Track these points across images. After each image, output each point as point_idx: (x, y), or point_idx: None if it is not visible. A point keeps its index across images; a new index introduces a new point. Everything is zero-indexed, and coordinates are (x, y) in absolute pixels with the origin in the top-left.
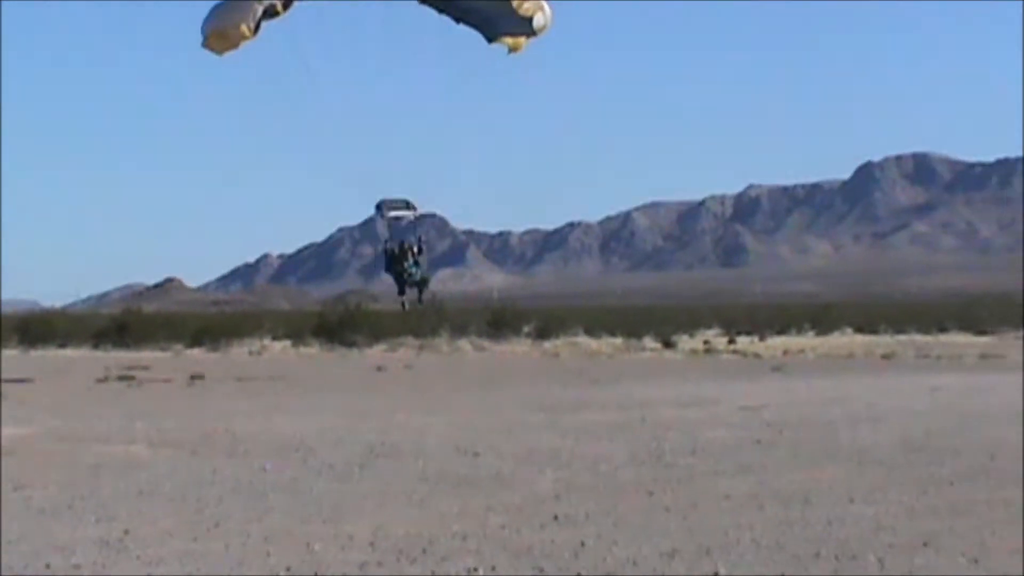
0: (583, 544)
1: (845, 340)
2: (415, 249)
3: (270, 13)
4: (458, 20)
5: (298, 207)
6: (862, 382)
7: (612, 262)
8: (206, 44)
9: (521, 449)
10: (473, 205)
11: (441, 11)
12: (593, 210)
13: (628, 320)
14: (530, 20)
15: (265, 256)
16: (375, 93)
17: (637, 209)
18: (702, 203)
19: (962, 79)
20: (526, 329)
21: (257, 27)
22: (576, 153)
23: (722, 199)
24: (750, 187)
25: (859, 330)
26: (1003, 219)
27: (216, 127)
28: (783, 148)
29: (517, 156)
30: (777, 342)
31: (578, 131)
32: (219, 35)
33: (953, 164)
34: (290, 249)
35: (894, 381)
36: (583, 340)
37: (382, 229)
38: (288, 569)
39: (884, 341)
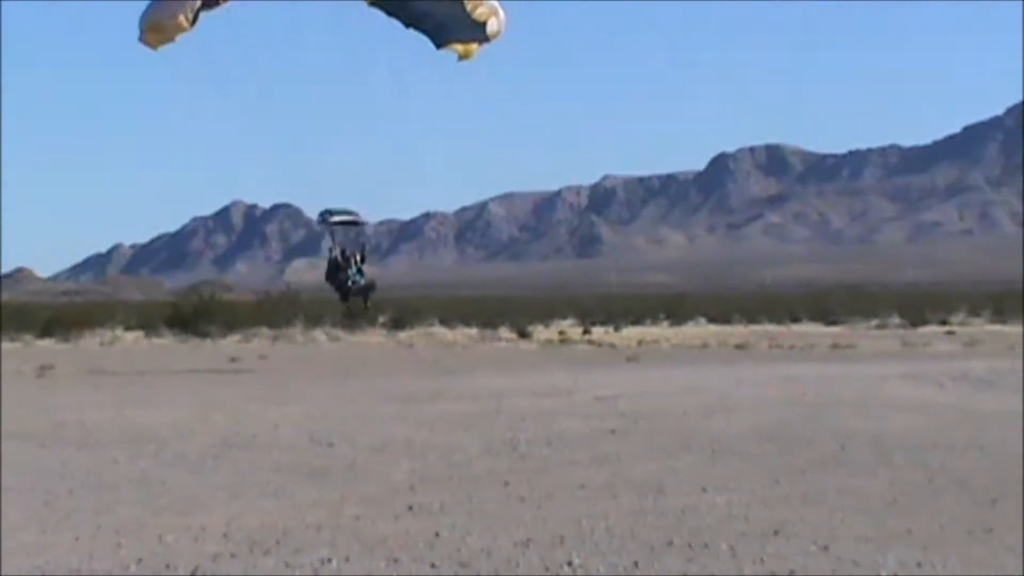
0: (437, 535)
1: (699, 330)
2: (358, 257)
3: (209, 4)
4: (408, 24)
5: (151, 197)
6: (716, 372)
7: (468, 252)
8: (143, 39)
9: (376, 440)
10: (328, 195)
11: (391, 14)
12: (449, 200)
13: (483, 310)
14: (483, 26)
15: (117, 246)
16: (237, 84)
17: (493, 200)
18: (558, 193)
19: (814, 72)
20: (381, 319)
21: (195, 18)
22: (432, 143)
23: (578, 190)
24: (606, 178)
25: (713, 320)
26: (854, 210)
27: (68, 114)
28: (638, 139)
29: (372, 146)
30: (632, 332)
31: (434, 121)
32: (155, 28)
33: (805, 155)
34: (143, 239)
35: (747, 371)
36: (438, 330)
37: (327, 239)
38: (139, 561)
39: (737, 331)
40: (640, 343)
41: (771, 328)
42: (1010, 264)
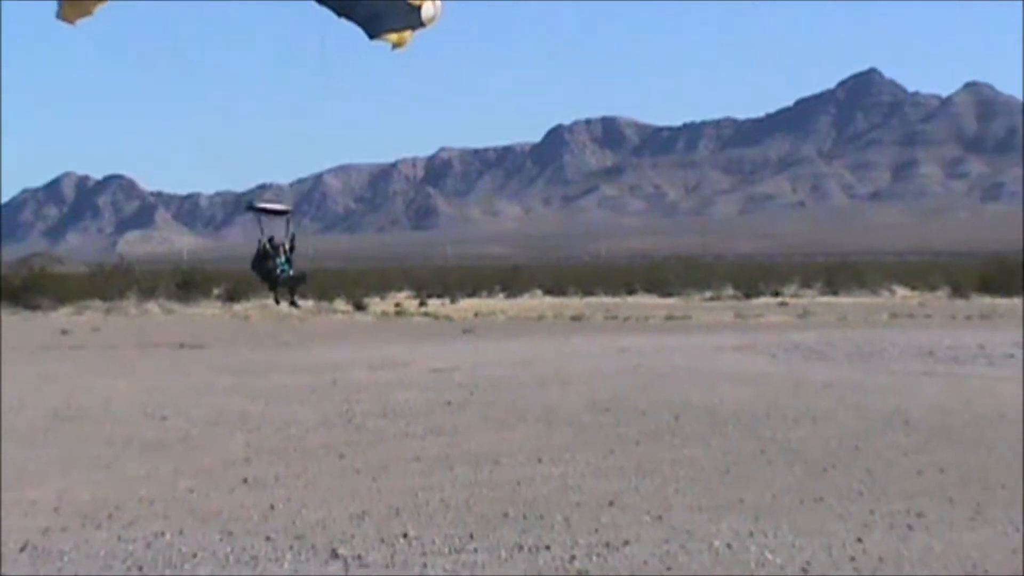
0: (272, 507)
1: (535, 302)
2: (286, 247)
3: None
4: (340, 14)
5: None
6: (552, 344)
7: (303, 224)
8: (60, 14)
9: (210, 412)
10: (162, 167)
11: (321, 2)
12: (284, 172)
13: (319, 283)
14: (418, 10)
15: None
16: (70, 55)
17: (328, 171)
18: (394, 165)
19: (649, 44)
20: (216, 292)
21: None
22: (267, 115)
23: (413, 162)
24: (442, 150)
25: (549, 292)
26: (689, 182)
27: None
28: (475, 111)
29: (206, 117)
30: (468, 304)
31: (268, 93)
32: (72, 3)
33: (641, 128)
34: None
35: (583, 343)
36: (273, 303)
37: (257, 227)
38: None
39: (573, 303)
40: (476, 315)
41: (607, 300)
42: (841, 236)
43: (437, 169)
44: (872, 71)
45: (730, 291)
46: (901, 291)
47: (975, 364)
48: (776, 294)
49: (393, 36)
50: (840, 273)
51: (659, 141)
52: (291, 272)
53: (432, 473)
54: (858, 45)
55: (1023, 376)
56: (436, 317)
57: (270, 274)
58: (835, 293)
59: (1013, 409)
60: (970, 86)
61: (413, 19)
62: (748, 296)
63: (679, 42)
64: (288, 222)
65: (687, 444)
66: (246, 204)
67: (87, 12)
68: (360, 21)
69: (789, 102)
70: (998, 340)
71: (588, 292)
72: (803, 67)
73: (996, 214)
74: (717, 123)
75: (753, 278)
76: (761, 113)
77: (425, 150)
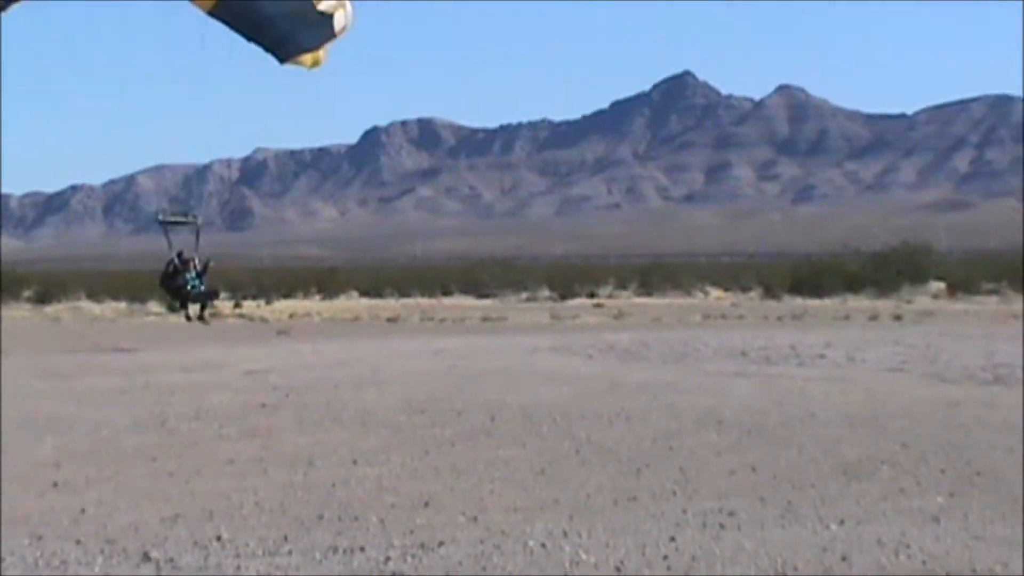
0: (83, 511)
1: (351, 303)
2: (196, 262)
3: None
4: (249, 39)
5: None
6: (368, 345)
7: (116, 226)
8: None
9: (20, 415)
10: None
11: (233, 26)
12: (96, 173)
13: (132, 284)
14: (330, 19)
15: None
16: None
17: (142, 172)
18: (208, 166)
19: (464, 45)
20: (26, 294)
21: None
22: (79, 115)
23: (228, 163)
24: (257, 151)
25: (365, 293)
26: (505, 184)
27: None
28: (291, 112)
29: (16, 118)
30: (283, 306)
31: (82, 93)
32: None
33: (457, 130)
34: None
35: (399, 344)
36: (86, 305)
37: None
38: None
39: (389, 304)
40: (291, 317)
41: (423, 301)
42: (656, 237)
43: (252, 170)
44: (686, 74)
45: (546, 292)
46: (714, 292)
47: (786, 364)
48: (591, 295)
49: (307, 58)
50: (654, 274)
51: (475, 143)
52: (202, 288)
53: (246, 476)
54: (673, 48)
55: (833, 375)
56: (251, 319)
57: (179, 290)
58: (649, 294)
59: (823, 409)
60: (782, 89)
61: (325, 31)
62: (564, 297)
63: (495, 43)
64: (198, 234)
65: (502, 444)
66: (156, 218)
67: None
68: (269, 45)
69: (604, 104)
70: (809, 341)
71: (404, 293)
72: (618, 69)
73: (807, 216)
74: (533, 125)
75: (569, 279)
76: (577, 115)
77: (240, 151)
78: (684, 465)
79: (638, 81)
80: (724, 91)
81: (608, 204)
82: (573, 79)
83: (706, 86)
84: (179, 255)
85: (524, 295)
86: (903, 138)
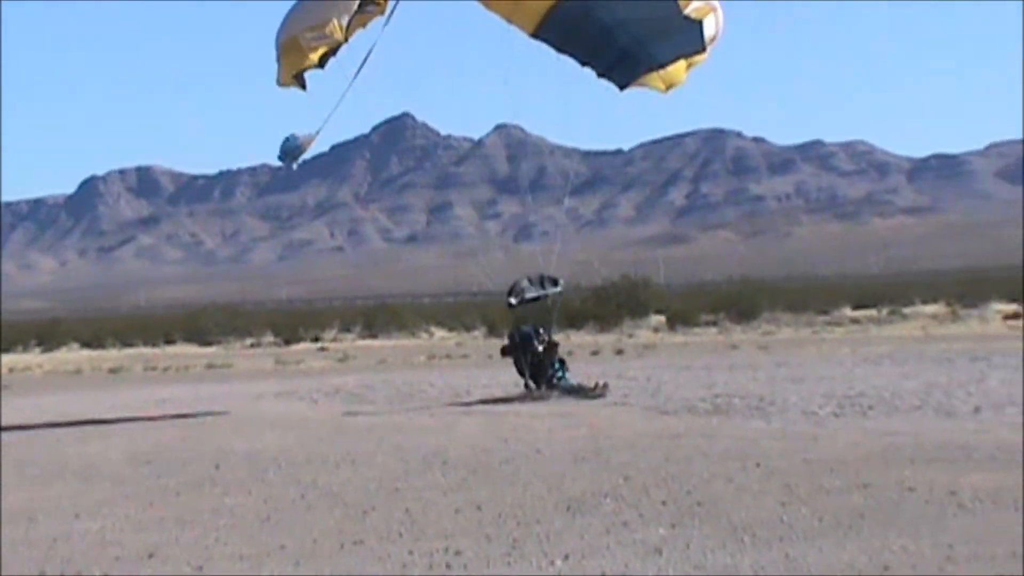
0: None
1: (73, 355)
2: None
3: None
4: (584, 61)
5: None
6: (90, 397)
7: None
8: (280, 80)
9: None
10: None
11: (560, 47)
12: None
13: None
14: (699, 26)
15: None
16: None
17: None
18: None
19: (182, 92)
20: None
21: None
22: None
23: None
24: None
25: (87, 345)
26: (226, 230)
27: None
28: (3, 164)
29: None
30: (3, 360)
31: None
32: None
33: (176, 176)
34: None
35: (122, 395)
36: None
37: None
38: None
39: (112, 355)
40: (11, 371)
41: (146, 351)
42: (380, 279)
43: None
44: (405, 115)
45: (270, 338)
46: (439, 332)
47: (510, 402)
48: (316, 339)
49: (659, 82)
50: (379, 316)
51: (195, 189)
52: (572, 383)
53: None
54: (391, 91)
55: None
56: None
57: (543, 371)
58: (375, 336)
59: (548, 445)
60: (500, 128)
61: (692, 40)
62: (288, 342)
63: (212, 89)
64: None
65: (228, 492)
66: (509, 294)
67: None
68: (612, 61)
69: (325, 148)
70: None
71: (127, 343)
72: (338, 113)
73: (528, 253)
74: (253, 170)
75: (293, 324)
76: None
77: None
78: (410, 506)
79: (357, 124)
80: (443, 131)
81: (331, 247)
82: (293, 123)
83: (425, 127)
84: (535, 332)
85: (249, 341)
86: (620, 174)
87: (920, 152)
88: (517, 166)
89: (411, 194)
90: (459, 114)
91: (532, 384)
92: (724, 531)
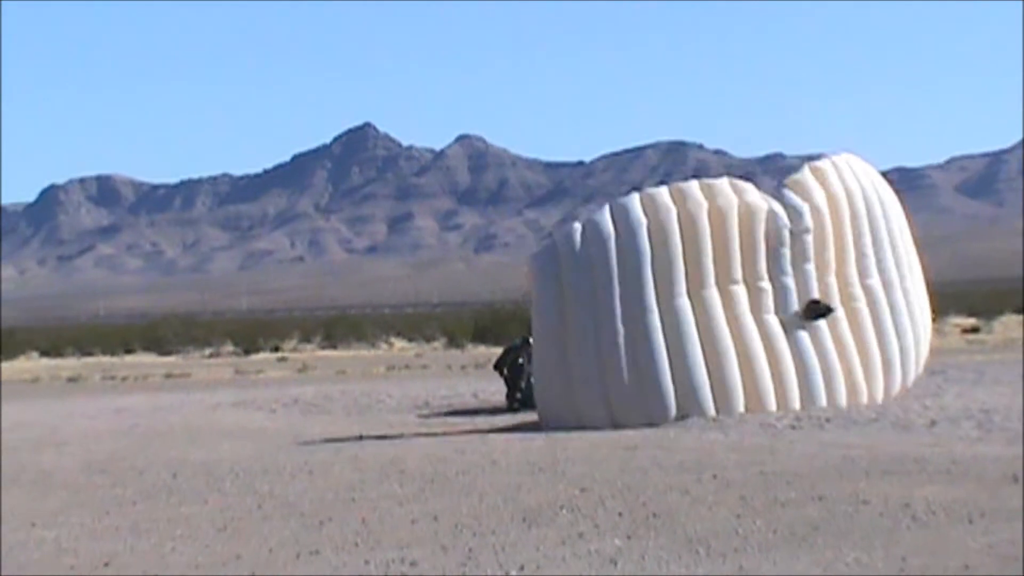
0: None
1: (30, 364)
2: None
3: None
4: None
5: None
6: (47, 406)
7: None
8: None
9: None
10: None
11: None
12: None
13: None
14: None
15: None
16: None
17: None
18: None
19: (141, 100)
20: None
21: None
22: None
23: None
24: None
25: (46, 354)
26: (187, 239)
27: None
28: None
29: None
30: None
31: None
32: None
33: (137, 186)
34: None
35: (80, 404)
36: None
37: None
38: None
39: (70, 364)
40: None
41: (104, 360)
42: (340, 290)
43: None
44: (367, 125)
45: (230, 347)
46: (399, 343)
47: (467, 414)
48: (276, 349)
49: None
50: (338, 327)
51: (156, 199)
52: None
53: None
54: (353, 100)
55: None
56: None
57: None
58: (334, 347)
59: (504, 455)
60: (462, 139)
61: None
62: (248, 352)
63: (174, 97)
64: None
65: (184, 502)
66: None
67: None
68: None
69: (286, 157)
70: (492, 389)
71: (86, 352)
72: (299, 122)
73: (490, 264)
74: (214, 179)
75: (252, 334)
76: (258, 169)
77: None
78: (367, 516)
79: (319, 133)
80: (405, 142)
81: (291, 257)
82: (253, 132)
83: (387, 137)
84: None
85: (208, 351)
86: (581, 185)
87: (881, 165)
88: (479, 177)
89: (372, 204)
90: (421, 124)
91: (517, 398)
92: (679, 542)
